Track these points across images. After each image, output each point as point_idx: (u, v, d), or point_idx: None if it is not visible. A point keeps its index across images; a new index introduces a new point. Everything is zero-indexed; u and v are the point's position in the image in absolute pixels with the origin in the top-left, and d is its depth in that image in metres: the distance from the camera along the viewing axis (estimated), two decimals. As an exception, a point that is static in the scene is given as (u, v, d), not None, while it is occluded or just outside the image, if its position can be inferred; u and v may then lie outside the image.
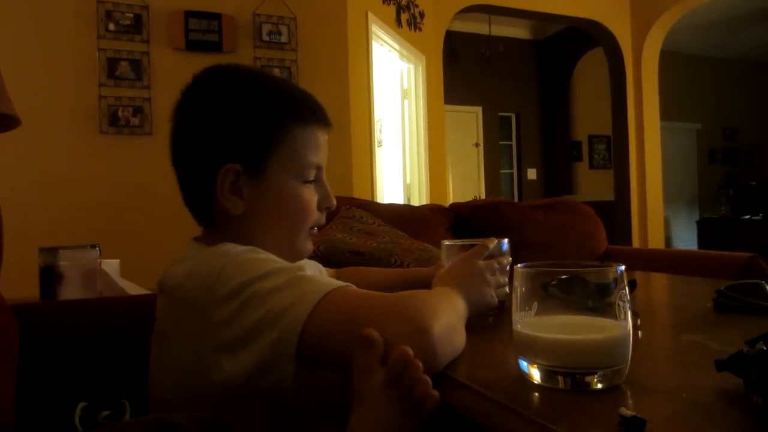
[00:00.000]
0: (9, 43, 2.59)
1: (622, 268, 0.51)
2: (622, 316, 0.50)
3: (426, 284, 0.80)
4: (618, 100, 5.52)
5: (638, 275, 1.31)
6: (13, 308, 0.77)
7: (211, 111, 0.76)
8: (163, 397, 0.71)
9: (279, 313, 0.60)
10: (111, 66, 2.74)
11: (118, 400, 0.82)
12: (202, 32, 2.88)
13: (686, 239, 7.75)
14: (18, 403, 0.71)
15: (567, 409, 0.46)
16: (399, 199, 4.46)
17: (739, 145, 8.32)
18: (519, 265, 0.55)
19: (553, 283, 0.52)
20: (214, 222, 0.78)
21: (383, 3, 3.80)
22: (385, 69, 4.30)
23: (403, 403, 0.53)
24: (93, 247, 1.20)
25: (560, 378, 0.50)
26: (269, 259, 0.67)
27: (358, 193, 3.16)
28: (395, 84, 4.47)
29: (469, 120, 7.03)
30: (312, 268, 0.98)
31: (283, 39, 3.06)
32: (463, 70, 6.60)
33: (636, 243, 5.39)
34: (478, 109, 7.07)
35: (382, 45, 3.84)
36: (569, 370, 0.50)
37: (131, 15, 2.78)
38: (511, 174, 7.45)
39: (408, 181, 4.48)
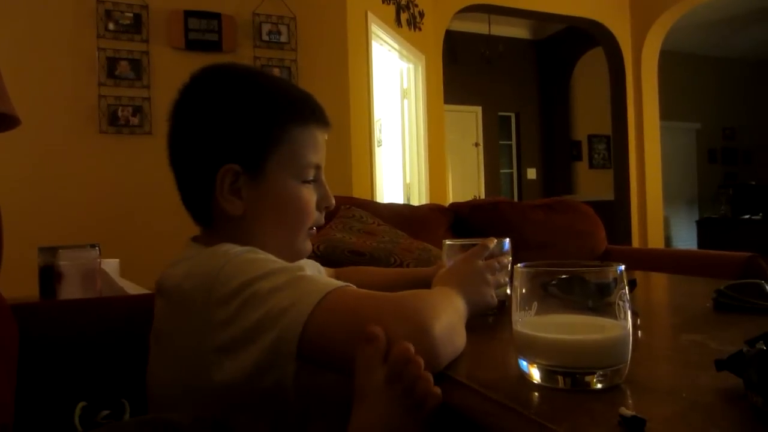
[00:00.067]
0: (9, 43, 2.59)
1: (622, 267, 0.51)
2: (622, 315, 0.50)
3: (427, 284, 0.80)
4: (618, 100, 5.52)
5: (638, 275, 1.31)
6: (12, 308, 0.77)
7: (209, 111, 0.75)
8: (162, 398, 0.71)
9: (279, 313, 0.59)
10: (110, 65, 2.74)
11: (118, 399, 0.82)
12: (202, 32, 2.88)
13: (686, 239, 7.76)
14: (18, 402, 0.71)
15: (567, 408, 0.46)
16: (399, 198, 4.46)
17: (739, 145, 8.33)
18: (519, 264, 0.55)
19: (553, 282, 0.52)
20: (213, 222, 0.77)
21: (383, 3, 3.80)
22: (385, 69, 4.30)
23: (404, 400, 0.53)
24: (93, 246, 1.20)
25: (560, 378, 0.50)
26: (268, 259, 0.67)
27: (358, 193, 3.16)
28: (395, 84, 4.47)
29: (469, 120, 7.03)
30: (311, 268, 0.98)
31: (283, 39, 3.06)
32: (463, 70, 6.60)
33: (636, 243, 5.39)
34: (478, 109, 7.07)
35: (381, 45, 3.84)
36: (569, 369, 0.50)
37: (131, 14, 2.78)
38: (511, 174, 7.45)
39: (408, 181, 4.48)
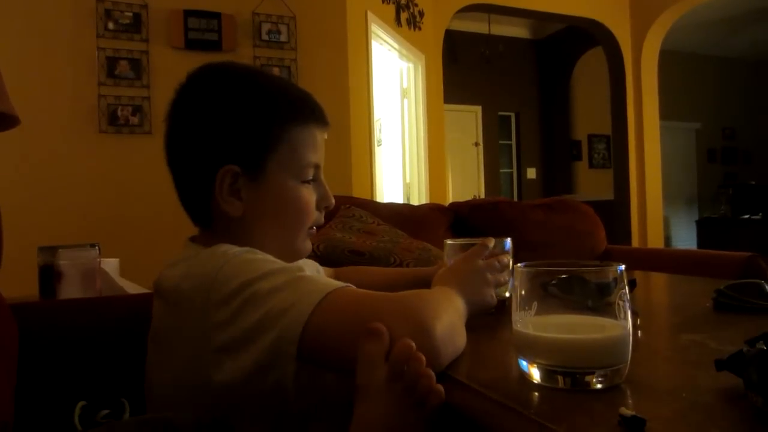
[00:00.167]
0: (8, 42, 2.59)
1: (622, 267, 0.51)
2: (622, 315, 0.50)
3: (427, 284, 0.80)
4: (617, 100, 5.52)
5: (638, 275, 1.31)
6: (12, 307, 0.77)
7: (207, 111, 0.75)
8: (160, 398, 0.71)
9: (279, 313, 0.59)
10: (110, 65, 2.74)
11: (118, 399, 0.82)
12: (202, 31, 2.88)
13: (686, 239, 7.76)
14: (17, 402, 0.71)
15: (567, 408, 0.46)
16: (398, 198, 4.47)
17: (739, 145, 8.33)
18: (519, 264, 0.55)
19: (553, 282, 0.52)
20: (212, 223, 0.77)
21: (383, 2, 3.80)
22: (385, 68, 4.30)
23: (406, 398, 0.53)
24: (92, 246, 1.20)
25: (560, 377, 0.50)
26: (267, 259, 0.67)
27: (358, 193, 3.16)
28: (395, 83, 4.47)
29: (469, 119, 7.03)
30: (310, 268, 0.98)
31: (283, 38, 3.06)
32: (463, 70, 6.60)
33: (635, 242, 5.39)
34: (478, 109, 7.07)
35: (381, 44, 3.84)
36: (569, 369, 0.50)
37: (130, 14, 2.78)
38: (511, 173, 7.45)
39: (407, 181, 4.48)
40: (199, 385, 0.63)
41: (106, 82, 2.73)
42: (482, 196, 6.86)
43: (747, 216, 6.59)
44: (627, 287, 0.51)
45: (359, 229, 1.87)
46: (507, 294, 0.88)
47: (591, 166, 7.45)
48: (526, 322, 0.53)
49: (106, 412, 0.80)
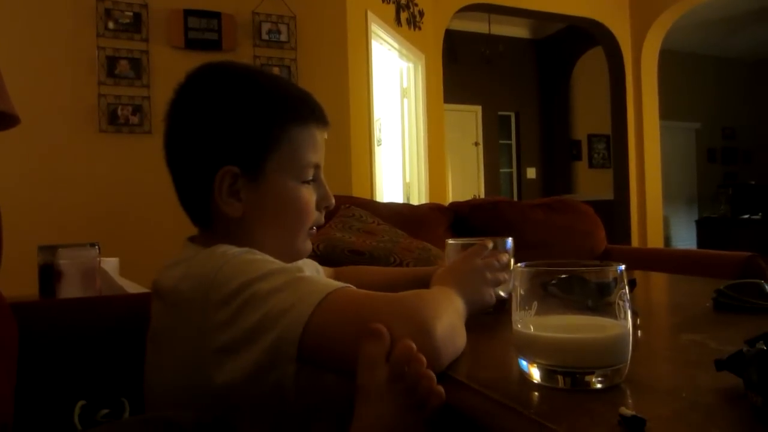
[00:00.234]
0: (8, 42, 2.59)
1: (622, 267, 0.51)
2: (622, 315, 0.50)
3: (427, 283, 0.79)
4: (617, 100, 5.53)
5: (638, 274, 1.31)
6: (12, 306, 0.77)
7: (207, 112, 0.74)
8: (160, 399, 0.71)
9: (279, 313, 0.59)
10: (110, 64, 2.74)
11: (118, 398, 0.82)
12: (202, 31, 2.88)
13: (685, 238, 7.76)
14: (17, 401, 0.71)
15: (567, 408, 0.46)
16: (398, 198, 4.47)
17: (739, 145, 8.33)
18: (518, 264, 0.55)
19: (553, 282, 0.52)
20: (211, 223, 0.77)
21: (383, 2, 3.80)
22: (385, 68, 4.30)
23: (407, 399, 0.53)
24: (92, 245, 1.20)
25: (560, 377, 0.50)
26: (266, 260, 0.67)
27: (358, 192, 3.16)
28: (395, 83, 4.47)
29: (469, 119, 7.03)
30: (309, 268, 0.98)
31: (283, 38, 3.06)
32: (463, 69, 6.60)
33: (635, 242, 5.39)
34: (478, 108, 7.07)
35: (381, 44, 3.84)
36: (569, 369, 0.50)
37: (130, 13, 2.78)
38: (511, 173, 7.45)
39: (407, 180, 4.48)
40: (198, 385, 0.63)
41: (106, 81, 2.73)
42: (482, 195, 6.86)
43: (747, 216, 6.59)
44: (627, 287, 0.51)
45: (359, 229, 1.87)
46: (503, 293, 0.87)
47: (591, 165, 7.45)
48: (526, 321, 0.53)
49: (105, 411, 0.81)
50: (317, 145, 0.79)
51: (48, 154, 2.64)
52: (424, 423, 0.54)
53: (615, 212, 5.48)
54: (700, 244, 7.07)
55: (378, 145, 4.03)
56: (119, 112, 2.75)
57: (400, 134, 4.48)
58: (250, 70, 0.82)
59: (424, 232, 2.07)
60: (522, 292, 0.54)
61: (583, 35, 5.98)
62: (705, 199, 7.95)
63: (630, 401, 0.47)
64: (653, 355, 0.62)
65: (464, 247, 0.89)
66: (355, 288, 0.64)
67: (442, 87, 4.71)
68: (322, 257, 1.61)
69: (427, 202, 3.87)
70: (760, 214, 6.44)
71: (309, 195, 0.79)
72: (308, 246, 0.83)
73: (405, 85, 4.46)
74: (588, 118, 7.36)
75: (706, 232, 7.06)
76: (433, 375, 0.53)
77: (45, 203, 2.60)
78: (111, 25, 2.74)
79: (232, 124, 0.73)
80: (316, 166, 0.80)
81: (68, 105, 2.69)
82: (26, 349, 0.79)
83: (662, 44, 5.51)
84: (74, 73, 2.69)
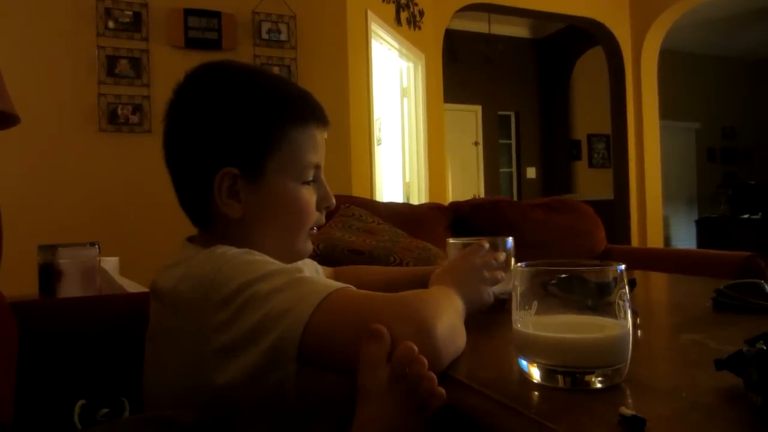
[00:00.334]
0: (8, 41, 2.59)
1: (622, 267, 0.51)
2: (622, 315, 0.50)
3: (427, 283, 0.79)
4: (617, 99, 5.52)
5: (637, 274, 1.31)
6: (12, 306, 0.77)
7: (206, 112, 0.74)
8: (159, 398, 0.71)
9: (279, 314, 0.59)
10: (110, 64, 2.73)
11: (117, 397, 0.82)
12: (202, 30, 2.88)
13: (685, 238, 7.76)
14: (17, 400, 0.71)
15: (567, 408, 0.46)
16: (398, 197, 4.46)
17: (738, 144, 8.33)
18: (519, 264, 0.55)
19: (553, 282, 0.52)
20: (211, 224, 0.76)
21: (383, 1, 3.79)
22: (385, 67, 4.30)
23: (408, 400, 0.53)
24: (92, 244, 1.20)
25: (560, 377, 0.50)
26: (266, 260, 0.67)
27: (358, 192, 3.16)
28: (395, 82, 4.47)
29: (469, 119, 7.03)
30: (309, 268, 0.98)
31: (283, 37, 3.06)
32: (463, 69, 6.59)
33: (635, 242, 5.39)
34: (478, 108, 7.07)
35: (381, 43, 3.84)
36: (569, 369, 0.50)
37: (130, 13, 2.78)
38: (511, 173, 7.45)
39: (407, 180, 4.48)
40: (198, 385, 0.63)
41: (106, 80, 2.73)
42: (482, 195, 6.86)
43: (746, 216, 6.59)
44: (627, 287, 0.51)
45: (359, 229, 1.87)
46: (502, 293, 0.87)
47: (591, 165, 7.45)
48: (526, 321, 0.53)
49: (105, 410, 0.80)
50: (317, 146, 0.79)
51: (48, 153, 2.64)
52: (425, 424, 0.54)
53: (615, 212, 5.48)
54: (699, 244, 7.07)
55: (378, 145, 4.03)
56: (119, 111, 2.75)
57: (400, 134, 4.48)
58: (249, 70, 0.81)
59: (423, 232, 2.07)
60: (522, 292, 0.54)
61: (583, 35, 5.98)
62: (705, 199, 7.95)
63: (630, 401, 0.47)
64: (653, 355, 0.62)
65: (465, 246, 0.89)
66: (355, 288, 0.64)
67: (442, 87, 4.70)
68: (322, 257, 1.61)
69: (427, 201, 3.87)
70: (759, 213, 6.44)
71: (309, 196, 0.79)
72: (309, 246, 0.83)
73: (405, 85, 4.46)
74: (588, 117, 7.36)
75: (705, 231, 7.06)
76: (434, 376, 0.53)
77: (45, 203, 2.60)
78: (111, 24, 2.74)
79: (232, 125, 0.73)
80: (317, 167, 0.80)
81: (68, 104, 2.69)
82: (26, 348, 0.79)
83: (662, 44, 5.51)
84: (74, 72, 2.69)
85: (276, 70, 2.99)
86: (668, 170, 6.26)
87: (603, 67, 5.78)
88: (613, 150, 5.71)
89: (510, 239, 0.90)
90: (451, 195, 6.34)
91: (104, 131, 2.72)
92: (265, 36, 3.02)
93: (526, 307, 0.53)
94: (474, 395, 0.52)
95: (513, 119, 7.39)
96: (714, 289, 0.87)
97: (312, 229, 0.82)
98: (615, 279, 0.50)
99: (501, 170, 7.31)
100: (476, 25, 6.53)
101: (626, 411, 0.41)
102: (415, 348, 0.53)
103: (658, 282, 1.34)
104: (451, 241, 0.94)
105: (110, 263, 1.29)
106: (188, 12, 2.86)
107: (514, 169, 7.43)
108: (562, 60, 7.21)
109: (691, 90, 7.89)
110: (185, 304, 0.65)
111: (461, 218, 2.36)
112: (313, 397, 0.69)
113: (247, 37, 2.99)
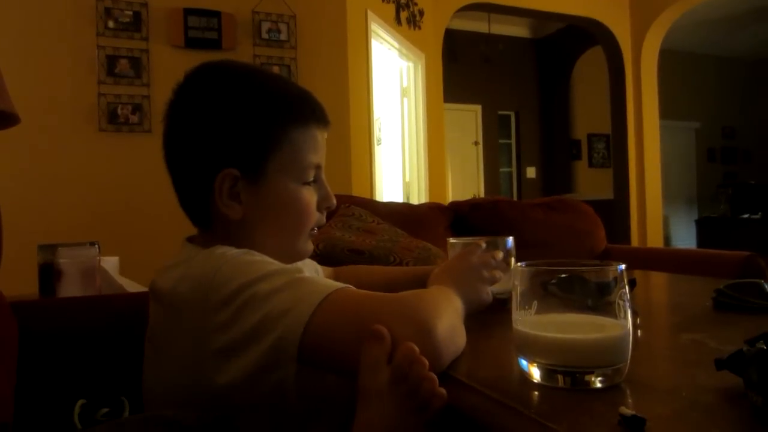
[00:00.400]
0: (8, 41, 2.59)
1: (622, 267, 0.51)
2: (622, 314, 0.50)
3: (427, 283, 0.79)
4: (617, 99, 5.52)
5: (637, 274, 1.31)
6: (12, 305, 0.77)
7: (206, 113, 0.73)
8: (159, 398, 0.71)
9: (279, 314, 0.59)
10: (110, 63, 2.73)
11: (117, 397, 0.82)
12: (202, 30, 2.88)
13: (685, 238, 7.76)
14: (17, 400, 0.71)
15: (567, 407, 0.46)
16: (398, 197, 4.46)
17: (739, 144, 8.33)
18: (519, 263, 0.55)
19: (553, 281, 0.52)
20: (211, 224, 0.76)
21: (382, 1, 3.79)
22: (385, 67, 4.30)
23: (409, 401, 0.53)
24: (92, 244, 1.20)
25: (560, 377, 0.50)
26: (265, 261, 0.67)
27: (357, 192, 3.16)
28: (395, 82, 4.47)
29: (469, 118, 7.03)
30: (308, 268, 0.98)
31: (283, 37, 3.06)
32: (463, 69, 6.60)
33: (635, 242, 5.39)
34: (478, 108, 7.06)
35: (381, 43, 3.83)
36: (569, 368, 0.50)
37: (130, 12, 2.78)
38: (511, 172, 7.45)
39: (407, 180, 4.48)
40: (198, 385, 0.63)
41: (106, 80, 2.73)
42: (482, 195, 6.86)
43: (746, 215, 6.59)
44: (627, 286, 0.51)
45: (359, 228, 1.87)
46: (502, 293, 0.87)
47: (591, 165, 7.45)
48: (526, 321, 0.53)
49: (105, 410, 0.80)
50: (318, 146, 0.78)
51: (48, 153, 2.64)
52: (426, 424, 0.54)
53: (615, 212, 5.48)
54: (699, 244, 7.07)
55: (378, 145, 4.03)
56: (119, 111, 2.74)
57: (399, 133, 4.48)
58: (249, 70, 0.81)
59: (423, 232, 2.07)
60: (522, 292, 0.54)
61: (583, 34, 5.98)
62: (705, 199, 7.95)
63: (630, 401, 0.47)
64: (653, 355, 0.63)
65: (466, 246, 0.89)
66: (355, 288, 0.64)
67: (441, 86, 4.70)
68: (322, 256, 1.61)
69: (427, 201, 3.87)
70: (759, 213, 6.43)
71: (310, 196, 0.78)
72: (309, 247, 0.82)
73: (405, 85, 4.46)
74: (588, 117, 7.36)
75: (705, 231, 7.05)
76: (435, 377, 0.53)
77: (45, 202, 2.60)
78: (111, 24, 2.74)
79: (232, 126, 0.72)
80: (317, 167, 0.79)
81: (68, 104, 2.69)
82: (26, 348, 0.79)
83: (662, 43, 5.51)
84: (74, 72, 2.69)
85: (276, 69, 2.98)
86: (668, 170, 6.26)
87: (603, 66, 5.78)
88: (613, 149, 5.71)
89: (510, 239, 0.90)
90: (451, 195, 6.34)
91: (104, 131, 2.72)
92: (264, 36, 3.02)
93: (526, 307, 0.53)
94: (474, 395, 0.52)
95: (513, 119, 7.39)
96: (714, 289, 0.87)
97: (313, 229, 0.82)
98: (615, 279, 0.50)
99: (501, 170, 7.31)
100: (476, 24, 6.53)
101: (626, 411, 0.41)
102: (416, 349, 0.53)
103: (658, 282, 1.34)
104: (451, 240, 0.94)
105: (110, 263, 1.29)
106: (188, 12, 2.86)
107: (514, 169, 7.43)
108: (562, 60, 7.21)
109: (691, 90, 7.89)
110: (185, 305, 0.64)
111: (461, 218, 2.36)
112: (313, 398, 0.69)
113: (246, 36, 2.99)
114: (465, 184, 6.84)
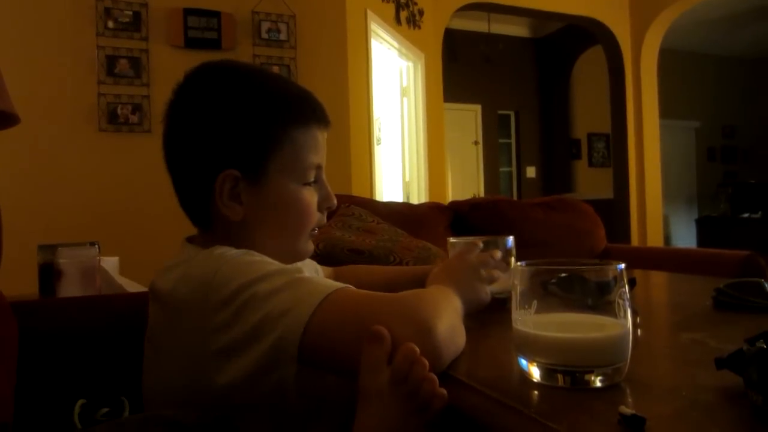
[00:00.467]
0: (8, 41, 2.58)
1: (622, 266, 0.51)
2: (622, 314, 0.50)
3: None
4: (617, 98, 5.52)
5: (637, 273, 1.31)
6: (12, 305, 0.77)
7: (205, 114, 0.73)
8: (159, 398, 0.71)
9: (279, 314, 0.59)
10: (110, 63, 2.73)
11: (117, 397, 0.82)
12: (201, 30, 2.88)
13: (685, 237, 7.76)
14: (17, 400, 0.71)
15: (567, 407, 0.46)
16: (398, 197, 4.46)
17: (738, 143, 8.33)
18: (518, 263, 0.55)
19: (553, 281, 0.52)
20: (211, 225, 0.76)
21: (382, 1, 3.79)
22: (385, 67, 4.29)
23: (409, 402, 0.53)
24: (92, 244, 1.20)
25: (560, 376, 0.50)
26: (265, 261, 0.66)
27: (357, 191, 3.16)
28: (394, 82, 4.47)
29: (469, 118, 7.03)
30: (308, 268, 0.97)
31: (282, 37, 3.06)
32: (463, 68, 6.59)
33: (635, 241, 5.39)
34: (478, 107, 7.06)
35: (381, 43, 3.83)
36: (569, 368, 0.50)
37: (130, 13, 2.78)
38: (510, 172, 7.45)
39: (407, 179, 4.47)
40: (198, 385, 0.63)
41: (106, 80, 2.73)
42: (482, 194, 6.86)
43: (746, 215, 6.59)
44: (627, 286, 0.51)
45: (359, 228, 1.87)
46: (502, 293, 0.87)
47: (590, 164, 7.45)
48: (526, 320, 0.53)
49: (105, 410, 0.80)
50: (319, 146, 0.78)
51: (48, 153, 2.64)
52: (426, 425, 0.54)
53: (615, 211, 5.48)
54: (699, 243, 7.07)
55: (378, 144, 4.03)
56: (119, 111, 2.74)
57: (399, 133, 4.47)
58: (249, 70, 0.81)
59: (423, 231, 2.07)
60: (522, 291, 0.54)
61: (583, 34, 5.98)
62: (705, 198, 7.95)
63: (630, 400, 0.47)
64: (653, 354, 0.63)
65: (466, 245, 0.89)
66: (354, 288, 0.64)
67: (441, 86, 4.70)
68: (322, 256, 1.61)
69: (427, 201, 3.87)
70: (759, 212, 6.44)
71: (311, 197, 0.78)
72: (310, 247, 0.82)
73: (405, 84, 4.46)
74: (588, 116, 7.36)
75: (705, 230, 7.06)
76: (435, 378, 0.53)
77: (45, 202, 2.60)
78: (110, 24, 2.74)
79: (232, 127, 0.72)
80: (318, 167, 0.79)
81: (68, 104, 2.68)
82: (26, 348, 0.79)
83: (662, 43, 5.51)
84: (74, 72, 2.69)
85: (275, 69, 2.98)
86: (668, 169, 6.26)
87: (603, 66, 5.77)
88: (612, 149, 5.71)
89: (510, 238, 0.90)
90: (451, 194, 6.33)
91: (104, 131, 2.72)
92: (264, 35, 3.02)
93: (526, 307, 0.53)
94: (474, 394, 0.52)
95: (513, 118, 7.39)
96: (714, 288, 0.87)
97: (313, 229, 0.81)
98: (615, 278, 0.50)
99: (501, 169, 7.31)
100: (476, 24, 6.52)
101: (626, 410, 0.41)
102: (417, 349, 0.53)
103: (658, 281, 1.34)
104: (452, 240, 0.94)
105: (110, 263, 1.29)
106: (188, 12, 2.86)
107: (513, 169, 7.43)
108: (562, 59, 7.21)
109: (690, 89, 7.89)
110: (185, 305, 0.64)
111: (461, 217, 2.36)
112: (313, 398, 0.69)
113: (246, 36, 2.99)
114: (465, 183, 6.84)
